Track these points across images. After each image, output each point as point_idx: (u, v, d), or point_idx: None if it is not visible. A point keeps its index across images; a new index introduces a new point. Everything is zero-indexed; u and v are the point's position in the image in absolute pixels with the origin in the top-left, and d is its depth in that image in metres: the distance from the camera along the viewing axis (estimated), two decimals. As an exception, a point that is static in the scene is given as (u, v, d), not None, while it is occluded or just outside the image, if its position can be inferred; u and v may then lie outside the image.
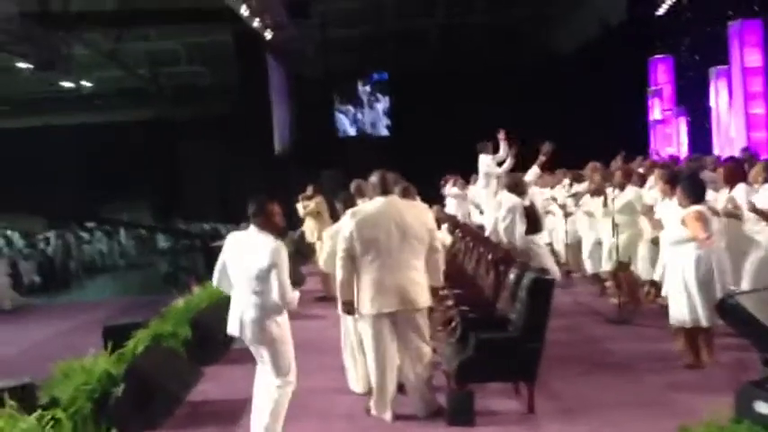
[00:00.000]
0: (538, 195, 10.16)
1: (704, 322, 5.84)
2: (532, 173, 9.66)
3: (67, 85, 24.57)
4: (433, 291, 5.40)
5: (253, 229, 4.66)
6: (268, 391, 4.73)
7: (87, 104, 27.01)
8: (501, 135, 10.59)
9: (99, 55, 22.58)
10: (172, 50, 25.08)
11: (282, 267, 4.51)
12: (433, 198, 12.06)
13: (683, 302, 5.92)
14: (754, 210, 6.32)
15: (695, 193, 5.96)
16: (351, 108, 27.08)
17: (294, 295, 4.59)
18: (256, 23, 17.83)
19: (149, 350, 6.29)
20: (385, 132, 26.47)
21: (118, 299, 14.55)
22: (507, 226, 8.37)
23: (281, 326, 4.66)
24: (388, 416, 5.25)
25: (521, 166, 10.13)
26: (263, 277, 4.51)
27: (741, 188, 6.71)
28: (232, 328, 4.72)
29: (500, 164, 10.47)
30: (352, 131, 26.89)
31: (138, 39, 23.35)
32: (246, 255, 4.61)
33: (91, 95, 26.91)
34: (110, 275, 20.94)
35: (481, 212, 12.07)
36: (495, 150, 10.70)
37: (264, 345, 4.65)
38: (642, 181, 8.57)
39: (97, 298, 15.42)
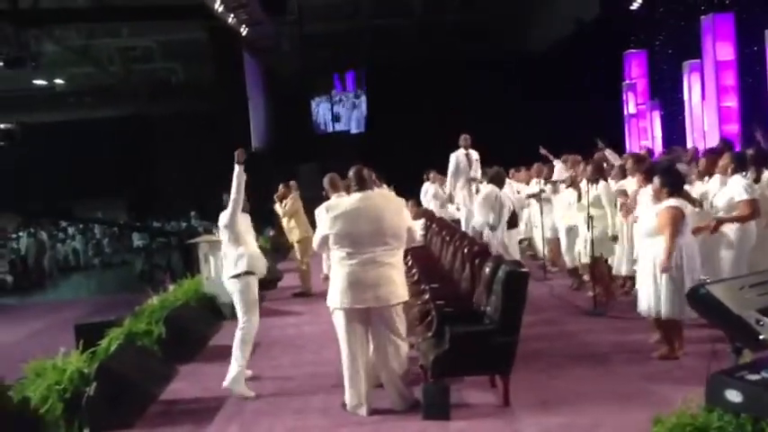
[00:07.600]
0: (514, 190, 10.19)
1: (664, 314, 5.84)
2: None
3: (39, 82, 24.24)
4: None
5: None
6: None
7: (60, 102, 26.68)
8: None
9: (71, 52, 22.29)
10: (145, 47, 24.82)
11: None
12: (411, 193, 12.09)
13: (650, 293, 5.91)
14: (720, 221, 6.29)
15: (673, 185, 5.89)
16: (328, 104, 27.01)
17: None
18: (231, 19, 17.70)
19: (122, 348, 6.23)
20: (362, 128, 26.44)
21: (92, 298, 14.39)
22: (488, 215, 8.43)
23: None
24: (363, 410, 5.22)
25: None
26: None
27: (716, 179, 6.73)
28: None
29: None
30: (329, 127, 26.84)
31: (110, 35, 23.07)
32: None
33: (63, 93, 26.58)
34: (84, 274, 20.72)
35: (458, 208, 12.12)
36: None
37: None
38: (624, 173, 8.53)
39: (71, 297, 15.24)
